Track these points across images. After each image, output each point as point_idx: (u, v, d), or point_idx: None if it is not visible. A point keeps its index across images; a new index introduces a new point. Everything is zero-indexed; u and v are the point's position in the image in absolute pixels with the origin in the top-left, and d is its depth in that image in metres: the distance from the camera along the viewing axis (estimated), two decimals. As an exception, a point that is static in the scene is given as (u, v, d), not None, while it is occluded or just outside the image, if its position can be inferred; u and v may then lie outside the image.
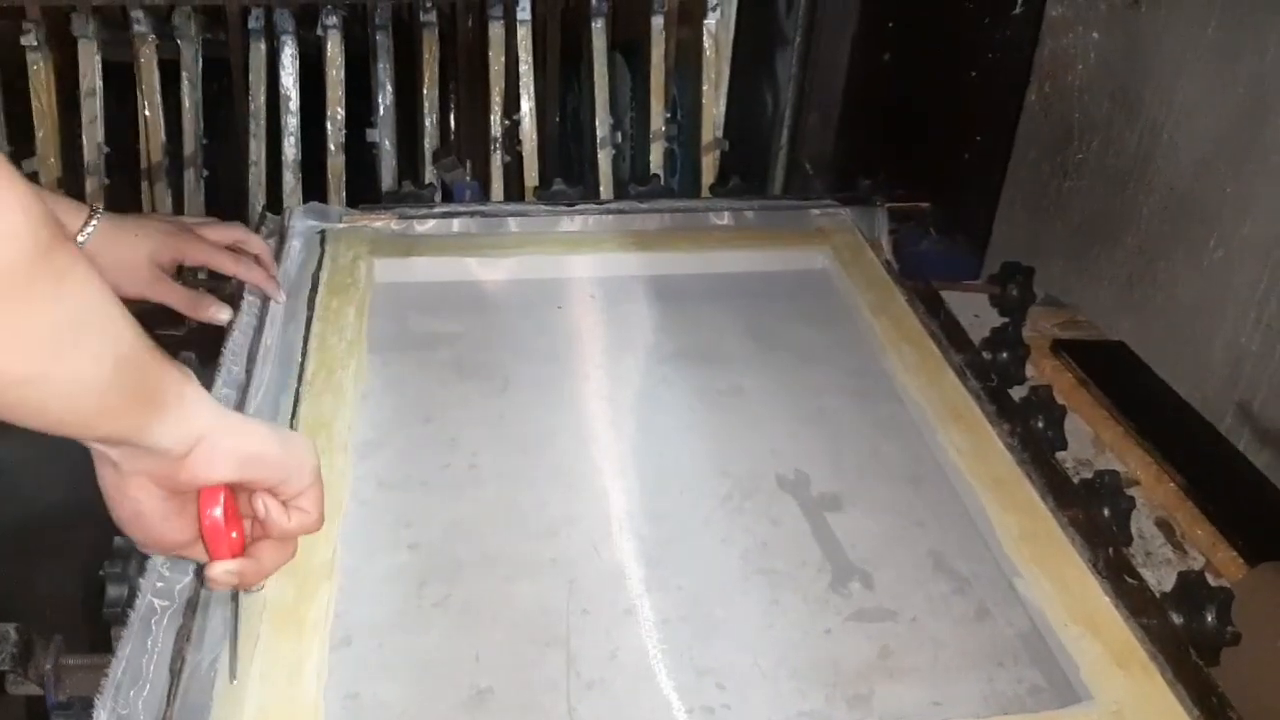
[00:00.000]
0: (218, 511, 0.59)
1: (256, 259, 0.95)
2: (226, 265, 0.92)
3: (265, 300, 0.93)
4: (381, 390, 0.90)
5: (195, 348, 0.84)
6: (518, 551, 0.77)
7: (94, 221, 0.83)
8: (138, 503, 0.58)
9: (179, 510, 0.59)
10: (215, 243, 0.92)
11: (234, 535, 0.60)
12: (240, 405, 0.81)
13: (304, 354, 0.87)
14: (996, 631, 0.73)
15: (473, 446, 0.87)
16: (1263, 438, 0.98)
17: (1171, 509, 0.89)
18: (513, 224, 1.09)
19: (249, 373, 0.84)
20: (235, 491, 0.60)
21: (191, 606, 0.66)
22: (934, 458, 0.86)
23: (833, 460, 0.88)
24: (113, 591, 0.65)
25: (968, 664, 0.71)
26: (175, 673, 0.62)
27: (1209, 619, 0.68)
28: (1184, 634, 0.67)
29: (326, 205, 1.06)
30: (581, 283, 1.06)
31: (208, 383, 0.81)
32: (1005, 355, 0.93)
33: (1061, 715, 0.63)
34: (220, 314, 0.90)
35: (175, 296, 0.88)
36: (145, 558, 0.67)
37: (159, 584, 0.66)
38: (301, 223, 1.03)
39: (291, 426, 0.81)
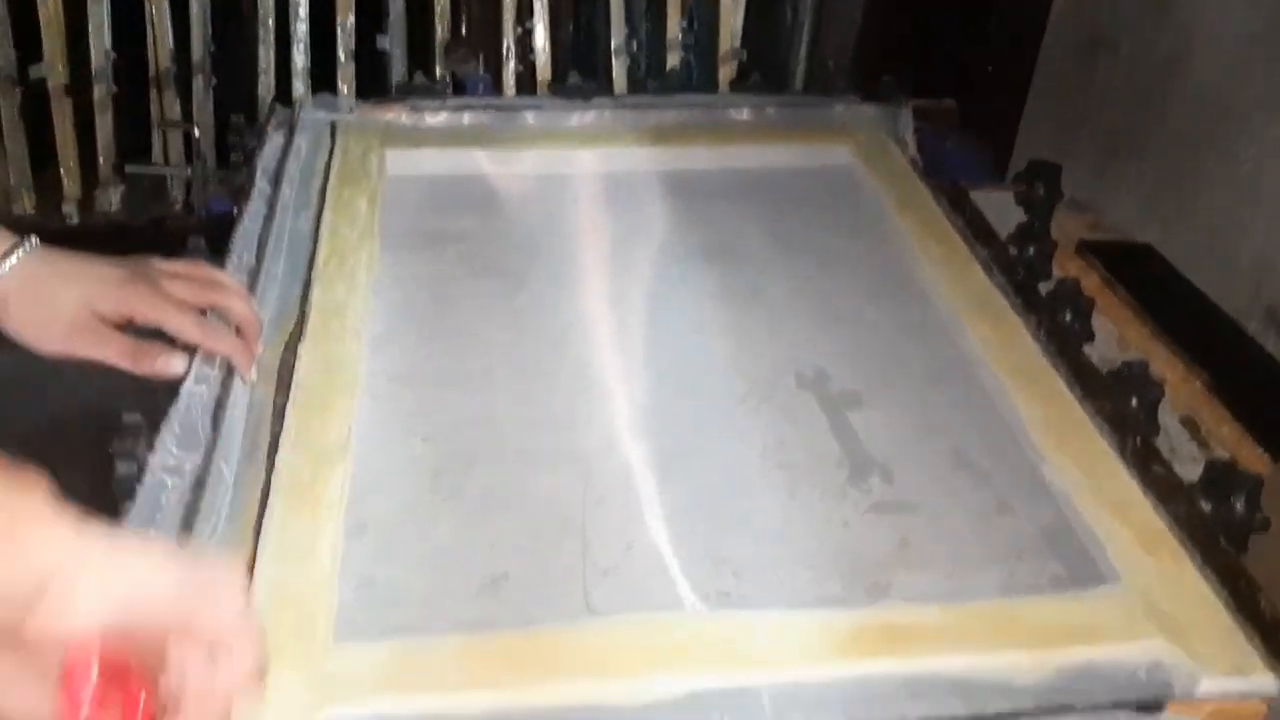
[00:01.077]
0: (84, 695, 0.41)
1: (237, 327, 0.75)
2: (189, 332, 0.72)
3: (276, 187, 0.91)
4: (393, 286, 0.89)
5: (204, 233, 0.82)
6: (532, 446, 0.76)
7: (16, 254, 0.68)
8: None
9: (39, 673, 0.42)
10: (181, 300, 0.72)
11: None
12: (250, 288, 0.79)
13: (315, 242, 0.86)
14: (1018, 525, 0.72)
15: (486, 343, 0.86)
16: (1291, 340, 0.96)
17: (1197, 407, 0.88)
18: (527, 117, 1.06)
19: (259, 259, 0.82)
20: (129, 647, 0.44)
21: (200, 483, 0.65)
22: (958, 355, 0.85)
23: (853, 359, 0.86)
24: (121, 469, 0.64)
25: (988, 556, 0.70)
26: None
27: (1238, 506, 0.67)
28: (1213, 521, 0.66)
29: (336, 97, 1.04)
30: (596, 178, 1.04)
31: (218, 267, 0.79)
32: (1032, 250, 0.90)
33: (1089, 596, 0.62)
34: (171, 366, 0.71)
35: (109, 349, 0.70)
36: (154, 435, 0.66)
37: (169, 461, 0.66)
38: (311, 114, 1.01)
39: (302, 314, 0.79)
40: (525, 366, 0.84)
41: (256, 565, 0.61)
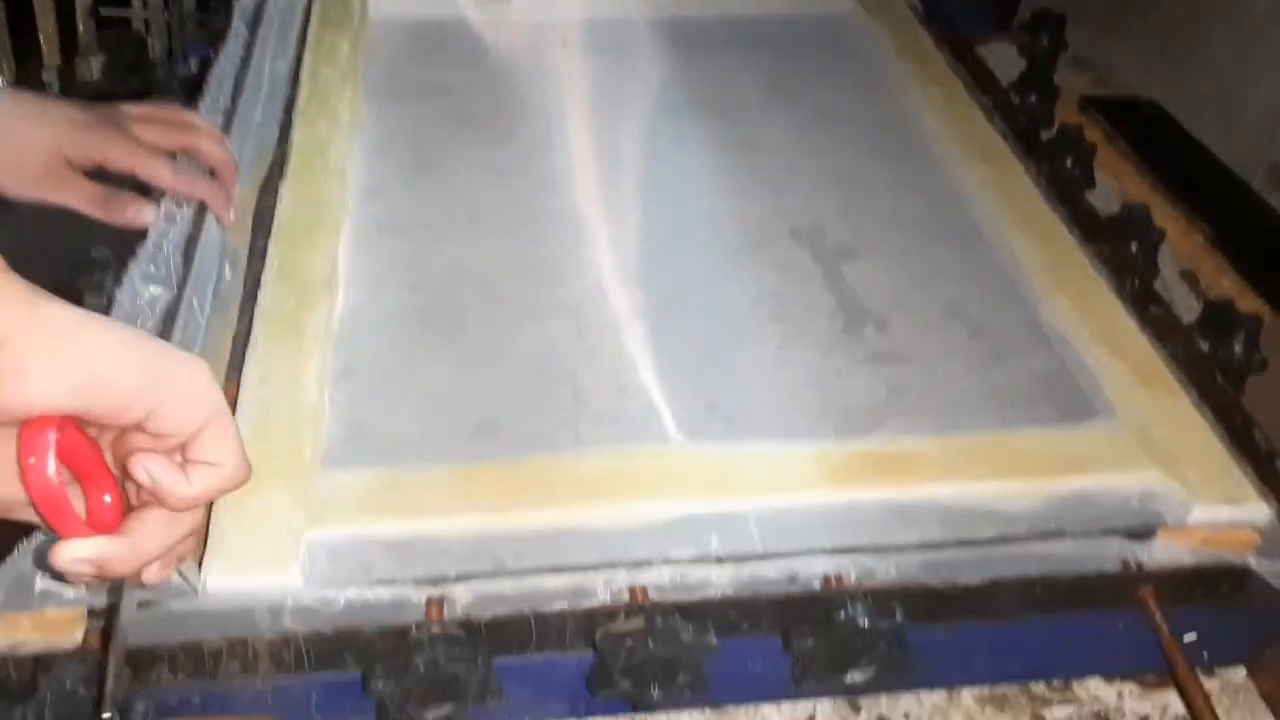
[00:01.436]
0: (48, 465, 0.38)
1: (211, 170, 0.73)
2: (162, 178, 0.70)
3: (254, 30, 0.88)
4: (377, 135, 0.86)
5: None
6: (524, 296, 0.75)
7: None
8: None
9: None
10: (152, 144, 0.70)
11: (80, 499, 0.41)
12: (225, 130, 0.77)
13: (295, 85, 0.83)
14: (1013, 374, 0.71)
15: (475, 194, 0.84)
16: (1296, 197, 0.94)
17: (1198, 261, 0.86)
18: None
19: (234, 101, 0.80)
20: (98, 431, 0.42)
21: (170, 319, 0.64)
22: (957, 205, 0.83)
23: (850, 212, 0.84)
24: (90, 303, 0.63)
25: (981, 402, 0.69)
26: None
27: (1236, 346, 0.66)
28: (1210, 360, 0.65)
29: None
30: (587, 25, 1.00)
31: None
32: (1034, 98, 0.88)
33: (1082, 428, 0.62)
34: (141, 215, 0.70)
35: (79, 195, 0.68)
36: (122, 270, 0.64)
37: (141, 297, 0.64)
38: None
39: (282, 154, 0.77)
40: (516, 217, 0.82)
41: (240, 393, 0.60)
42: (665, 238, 0.82)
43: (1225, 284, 0.85)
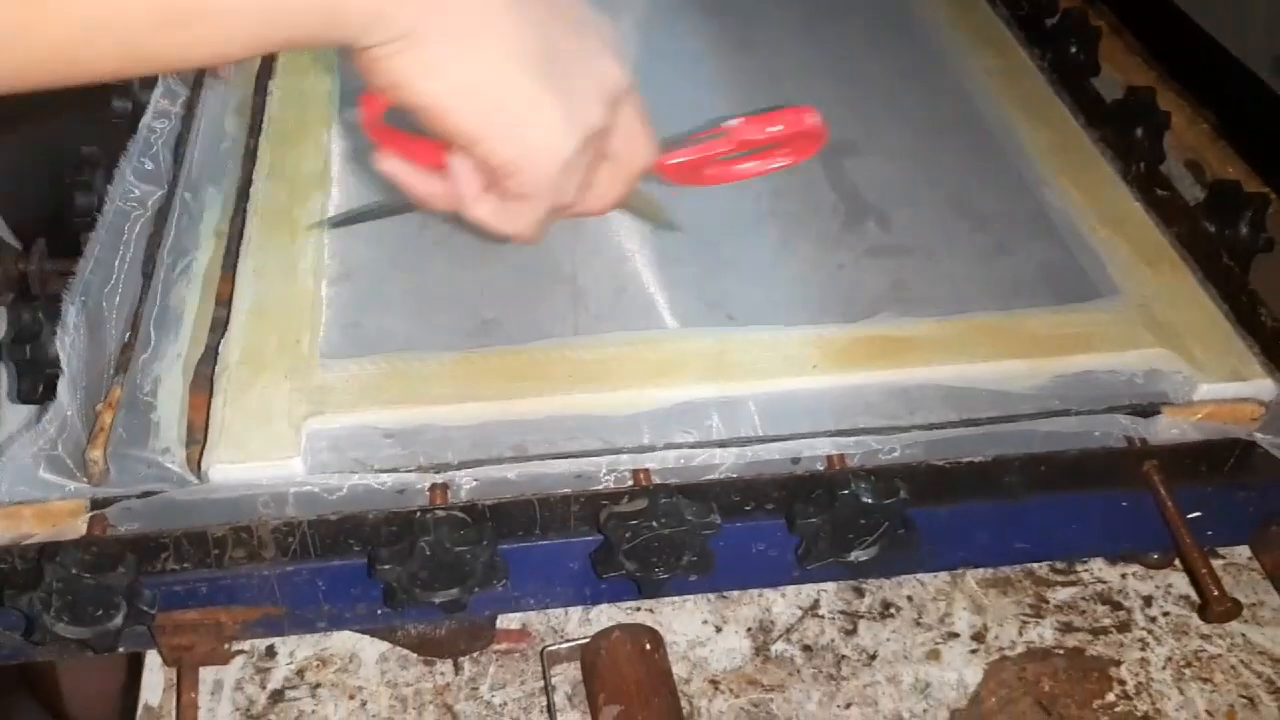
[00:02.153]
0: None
1: None
2: None
3: None
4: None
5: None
6: (521, 196, 0.74)
7: None
8: None
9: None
10: None
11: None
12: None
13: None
14: (1016, 265, 0.70)
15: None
16: (1303, 86, 0.93)
17: (1202, 150, 0.85)
18: None
19: None
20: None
21: (162, 215, 0.63)
22: (960, 95, 0.81)
23: (851, 105, 0.83)
24: (81, 200, 0.62)
25: (984, 294, 0.68)
26: (147, 275, 0.60)
27: (1242, 226, 0.65)
28: (1217, 238, 0.64)
29: None
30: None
31: None
32: (1038, -16, 0.86)
33: (1087, 308, 0.61)
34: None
35: None
36: (113, 166, 0.64)
37: (133, 193, 0.63)
38: None
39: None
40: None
41: (235, 288, 0.59)
42: (664, 136, 0.80)
43: (1230, 173, 0.83)
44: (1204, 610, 0.53)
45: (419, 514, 0.49)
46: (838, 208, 0.75)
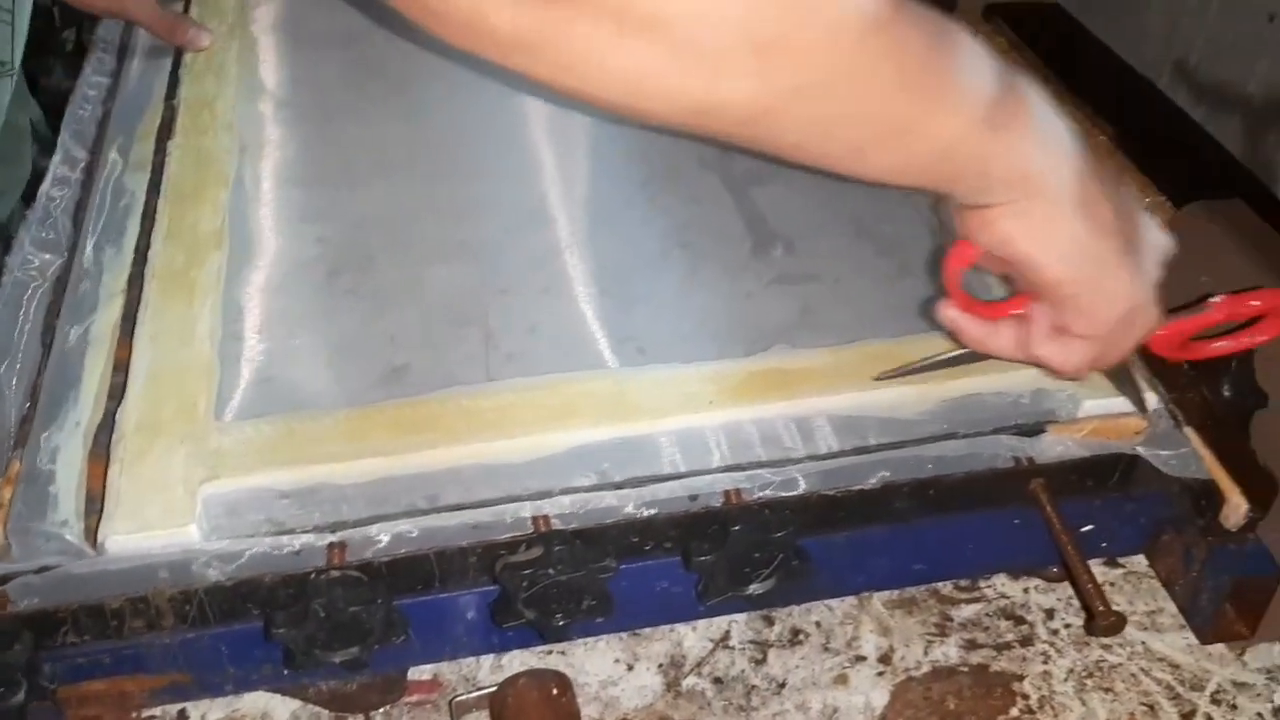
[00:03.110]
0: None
1: None
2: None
3: None
4: (275, 88, 0.85)
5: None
6: (431, 239, 0.75)
7: None
8: None
9: None
10: None
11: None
12: (112, 91, 0.75)
13: (182, 40, 0.81)
14: (918, 286, 0.72)
15: (379, 141, 0.83)
16: (1199, 92, 0.95)
17: (1101, 161, 0.87)
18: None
19: (120, 61, 0.78)
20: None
21: (61, 284, 0.63)
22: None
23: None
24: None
25: (888, 315, 0.69)
26: (46, 345, 0.60)
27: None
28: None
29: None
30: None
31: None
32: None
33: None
34: (201, 39, 0.82)
35: (152, 17, 0.81)
36: (10, 236, 0.64)
37: (32, 263, 0.63)
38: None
39: (168, 108, 0.76)
40: (421, 163, 0.81)
41: (132, 353, 0.59)
42: (573, 173, 0.81)
43: (1129, 183, 0.85)
44: (1090, 624, 0.54)
45: (314, 575, 0.50)
46: (746, 237, 0.76)
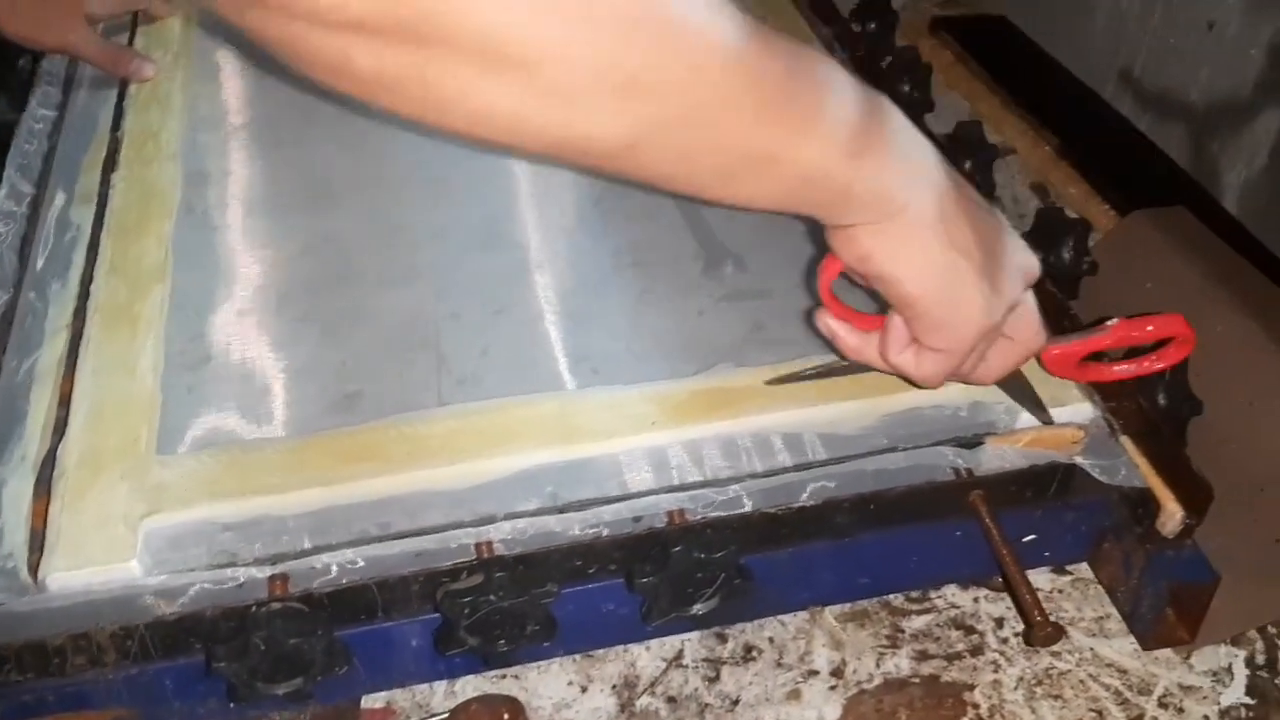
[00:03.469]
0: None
1: None
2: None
3: None
4: (221, 116, 0.85)
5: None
6: (381, 265, 0.75)
7: None
8: None
9: None
10: None
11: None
12: (58, 124, 0.75)
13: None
14: (868, 298, 0.72)
15: (327, 168, 0.83)
16: (1144, 101, 0.96)
17: (1046, 171, 0.88)
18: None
19: (66, 94, 0.78)
20: None
21: (6, 320, 0.63)
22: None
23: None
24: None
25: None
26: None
27: (1065, 252, 0.68)
28: (1041, 265, 0.66)
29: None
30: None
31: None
32: (874, 25, 0.89)
33: (912, 345, 0.63)
34: (145, 70, 0.83)
35: (96, 51, 0.82)
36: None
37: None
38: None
39: (113, 140, 0.76)
40: (371, 187, 0.81)
41: (75, 387, 0.59)
42: (525, 195, 0.81)
43: (1074, 192, 0.87)
44: (1028, 634, 0.54)
45: (254, 608, 0.50)
46: (698, 255, 0.77)
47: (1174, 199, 0.83)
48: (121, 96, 0.80)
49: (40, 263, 0.68)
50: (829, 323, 0.57)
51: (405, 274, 0.74)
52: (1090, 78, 1.00)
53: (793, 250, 0.76)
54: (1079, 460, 0.57)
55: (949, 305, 0.51)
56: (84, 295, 0.65)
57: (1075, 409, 0.59)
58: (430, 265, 0.75)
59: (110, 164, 0.74)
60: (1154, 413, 0.59)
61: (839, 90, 0.45)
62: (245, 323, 0.69)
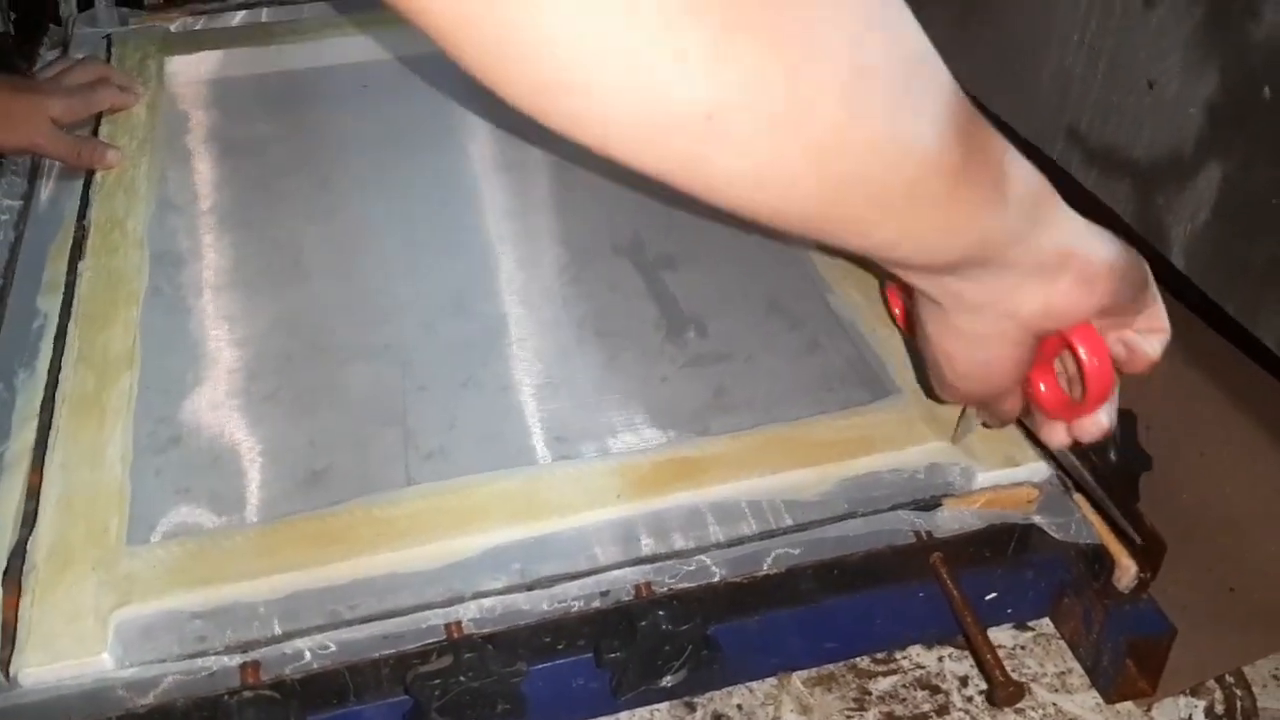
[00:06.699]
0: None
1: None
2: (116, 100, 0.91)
3: None
4: (190, 200, 0.86)
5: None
6: (349, 339, 0.76)
7: None
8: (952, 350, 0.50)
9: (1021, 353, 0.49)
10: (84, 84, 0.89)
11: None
12: (24, 214, 0.76)
13: (91, 159, 0.82)
14: (826, 360, 0.74)
15: (295, 245, 0.84)
16: (1090, 157, 0.99)
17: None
18: (308, 10, 1.03)
19: (31, 183, 0.79)
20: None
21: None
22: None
23: (667, 221, 0.87)
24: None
25: (799, 390, 0.72)
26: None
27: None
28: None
29: (114, 8, 0.99)
30: (391, 64, 1.01)
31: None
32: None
33: (869, 410, 0.65)
34: (110, 157, 0.85)
35: (61, 147, 0.84)
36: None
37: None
38: (83, 30, 0.97)
39: (80, 229, 0.77)
40: (338, 263, 0.82)
41: (44, 479, 0.60)
42: (490, 266, 0.83)
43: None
44: (991, 694, 0.55)
45: (226, 696, 0.50)
46: (660, 322, 0.78)
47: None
48: (88, 185, 0.81)
49: (8, 352, 0.69)
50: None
51: (373, 347, 0.75)
52: (1038, 137, 1.02)
53: (752, 313, 0.78)
54: (1035, 519, 0.59)
55: (978, 365, 0.50)
56: (52, 384, 0.66)
57: (1031, 468, 0.61)
58: (398, 339, 0.76)
59: (77, 252, 0.75)
60: (1105, 469, 0.60)
61: (1014, 154, 0.44)
62: (213, 403, 0.70)
